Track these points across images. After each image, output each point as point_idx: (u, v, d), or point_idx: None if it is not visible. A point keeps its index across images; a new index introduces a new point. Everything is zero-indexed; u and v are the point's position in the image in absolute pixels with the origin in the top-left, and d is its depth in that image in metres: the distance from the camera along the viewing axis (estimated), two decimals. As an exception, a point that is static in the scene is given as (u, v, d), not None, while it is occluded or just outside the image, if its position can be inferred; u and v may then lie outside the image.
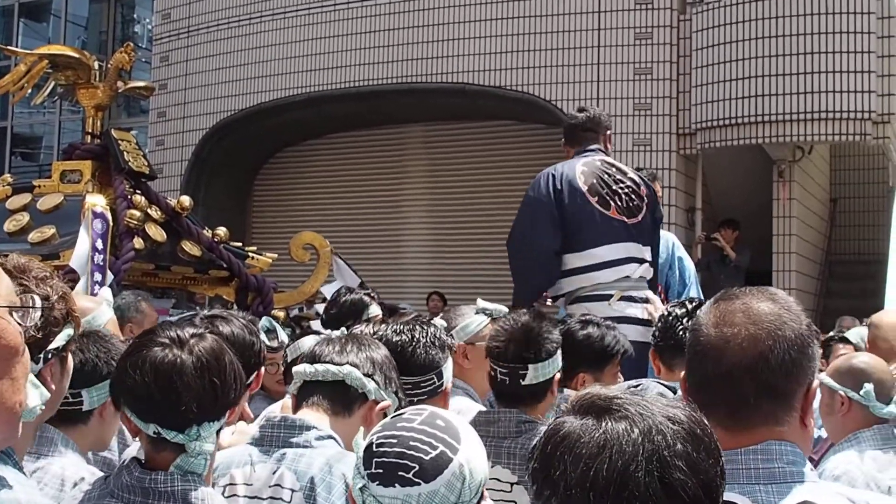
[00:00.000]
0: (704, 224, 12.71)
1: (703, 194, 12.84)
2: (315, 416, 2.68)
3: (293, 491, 2.53)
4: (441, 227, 14.86)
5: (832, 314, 10.74)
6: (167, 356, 2.24)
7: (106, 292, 3.74)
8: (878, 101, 11.18)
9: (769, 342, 1.94)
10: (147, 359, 2.27)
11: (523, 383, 3.38)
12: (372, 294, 5.57)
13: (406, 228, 15.19)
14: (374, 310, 5.32)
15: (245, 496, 2.58)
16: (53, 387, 2.08)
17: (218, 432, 2.31)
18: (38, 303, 1.75)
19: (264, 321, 4.47)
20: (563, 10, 12.72)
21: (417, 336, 3.07)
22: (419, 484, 1.89)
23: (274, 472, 2.58)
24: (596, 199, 5.33)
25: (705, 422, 1.60)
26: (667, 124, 12.20)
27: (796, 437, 1.98)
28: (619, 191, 5.35)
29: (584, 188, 5.34)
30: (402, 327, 3.07)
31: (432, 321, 3.30)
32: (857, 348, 5.61)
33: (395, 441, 1.94)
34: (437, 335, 3.09)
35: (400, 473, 1.90)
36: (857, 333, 6.26)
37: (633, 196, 5.37)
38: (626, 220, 5.35)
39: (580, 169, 5.42)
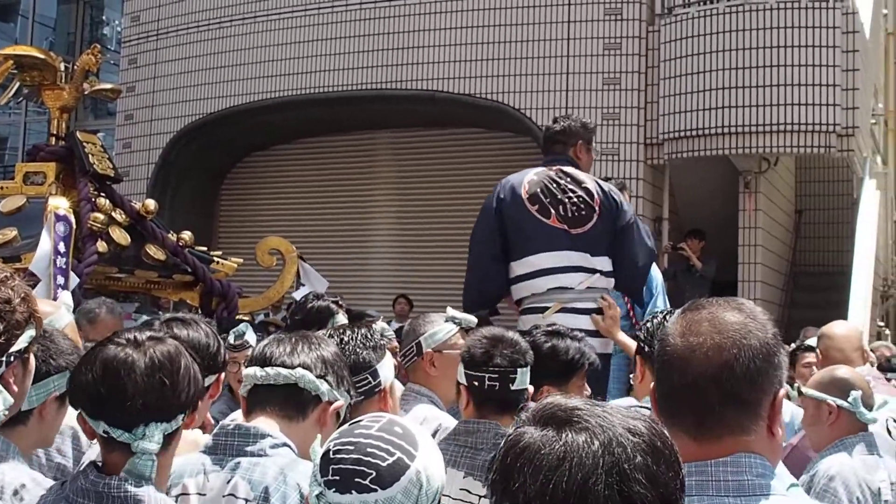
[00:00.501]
0: (671, 234, 12.77)
1: (670, 204, 12.88)
2: (268, 423, 2.65)
3: (247, 501, 2.50)
4: (409, 233, 14.84)
5: (797, 325, 10.80)
6: (118, 354, 2.24)
7: (66, 297, 3.70)
8: (843, 115, 11.27)
9: (734, 351, 1.95)
10: (99, 357, 2.27)
11: (512, 388, 3.40)
12: (340, 302, 5.54)
13: (374, 234, 15.17)
14: (341, 318, 5.29)
15: None
16: (16, 389, 2.10)
17: (171, 437, 2.30)
18: None
19: (241, 327, 4.45)
20: (533, 19, 12.75)
21: (346, 339, 3.06)
22: (376, 490, 1.90)
23: (228, 482, 2.54)
24: (536, 207, 5.34)
25: (666, 434, 1.60)
26: (635, 134, 12.25)
27: (764, 446, 1.98)
28: (566, 200, 5.33)
29: (525, 196, 5.37)
30: (332, 332, 3.07)
31: (371, 324, 3.29)
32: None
33: (352, 448, 1.94)
34: (368, 336, 3.08)
35: (357, 480, 1.90)
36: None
37: (581, 206, 5.32)
38: (569, 229, 5.32)
39: (529, 178, 5.44)
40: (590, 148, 5.68)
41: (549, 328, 4.18)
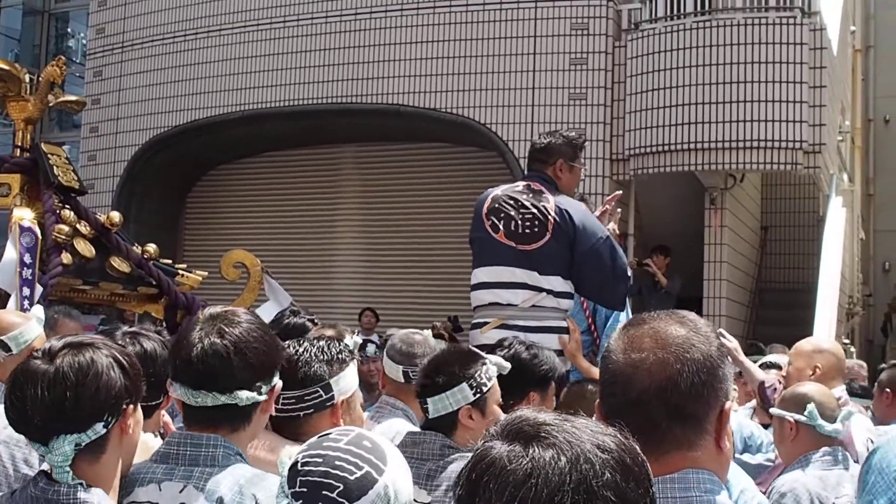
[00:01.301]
0: (636, 250, 12.79)
1: (636, 220, 12.91)
2: (217, 433, 2.58)
3: None
4: (374, 246, 14.83)
5: (763, 341, 10.86)
6: (28, 367, 2.23)
7: (38, 310, 3.67)
8: (810, 132, 11.35)
9: (677, 366, 1.92)
10: (15, 371, 2.26)
11: (429, 417, 3.50)
12: (315, 321, 5.51)
13: (339, 247, 15.14)
14: (349, 340, 5.27)
15: None
16: None
17: (99, 444, 2.25)
18: None
19: (353, 340, 4.43)
20: (499, 34, 12.78)
21: (301, 350, 3.01)
22: (343, 503, 1.88)
23: (180, 491, 2.49)
24: (489, 222, 5.32)
25: (637, 450, 1.57)
26: (600, 150, 12.28)
27: (712, 461, 1.96)
28: (517, 217, 5.28)
29: (485, 210, 5.37)
30: (289, 343, 3.03)
31: (332, 337, 3.27)
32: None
33: (320, 460, 1.93)
34: (326, 349, 3.04)
35: (324, 493, 1.89)
36: (781, 358, 6.42)
37: (534, 223, 5.27)
38: (517, 245, 5.26)
39: (495, 193, 5.44)
40: (573, 166, 5.54)
41: (524, 341, 4.24)
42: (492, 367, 3.59)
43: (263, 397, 2.62)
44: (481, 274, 5.35)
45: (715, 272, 12.55)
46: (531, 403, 3.95)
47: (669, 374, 1.92)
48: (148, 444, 2.78)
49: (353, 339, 3.51)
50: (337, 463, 1.92)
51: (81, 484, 2.20)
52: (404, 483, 1.97)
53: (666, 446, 1.94)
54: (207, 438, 2.54)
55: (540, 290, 5.25)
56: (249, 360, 2.57)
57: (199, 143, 14.81)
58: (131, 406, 2.29)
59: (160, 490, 2.50)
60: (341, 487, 1.89)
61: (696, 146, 11.56)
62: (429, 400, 3.47)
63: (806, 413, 4.19)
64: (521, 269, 5.25)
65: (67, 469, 2.19)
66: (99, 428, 2.22)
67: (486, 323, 5.27)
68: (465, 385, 3.47)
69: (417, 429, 3.79)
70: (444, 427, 3.44)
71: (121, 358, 2.28)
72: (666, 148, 11.74)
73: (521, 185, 5.47)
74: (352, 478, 1.90)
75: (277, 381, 2.67)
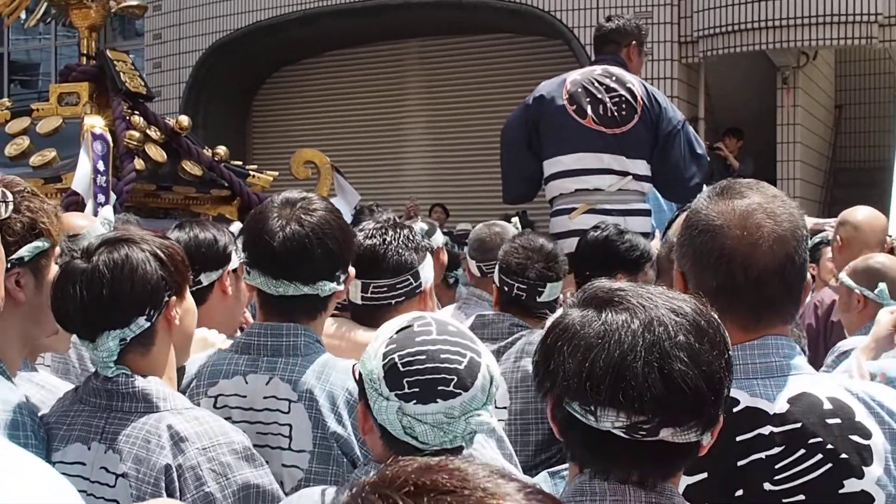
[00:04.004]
0: (707, 134, 12.62)
1: (706, 103, 12.74)
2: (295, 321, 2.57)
3: (290, 402, 2.45)
4: (441, 142, 14.79)
5: (838, 222, 10.70)
6: (67, 267, 2.24)
7: (107, 211, 3.69)
8: (885, 3, 11.05)
9: (793, 243, 1.92)
10: (58, 271, 2.28)
11: (539, 300, 3.58)
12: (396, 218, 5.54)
13: (406, 143, 15.13)
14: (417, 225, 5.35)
15: (238, 408, 2.50)
16: (22, 297, 2.22)
17: (144, 337, 2.25)
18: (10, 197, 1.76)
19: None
20: (561, -82, 12.51)
21: (388, 239, 2.99)
22: (460, 394, 1.89)
23: (267, 383, 2.49)
24: (574, 107, 5.24)
25: (713, 315, 1.58)
26: (668, 32, 12.07)
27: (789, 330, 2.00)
28: (606, 100, 5.23)
29: (565, 96, 5.27)
30: (373, 231, 3.01)
31: (407, 224, 3.27)
32: None
33: (423, 357, 1.91)
34: (410, 237, 3.04)
35: (440, 388, 1.89)
36: None
37: (622, 105, 5.22)
38: (605, 129, 5.21)
39: (572, 77, 5.34)
40: (642, 50, 5.56)
41: (617, 226, 4.28)
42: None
43: (341, 287, 2.61)
44: (569, 160, 5.28)
45: (788, 153, 12.36)
46: None
47: (787, 252, 1.91)
48: (208, 339, 2.77)
49: (420, 227, 3.53)
50: (442, 356, 1.91)
51: (134, 376, 2.23)
52: (494, 360, 1.99)
53: (775, 322, 1.95)
54: (287, 328, 2.53)
55: (626, 174, 5.24)
56: (330, 249, 2.54)
57: (262, 45, 14.79)
58: (174, 297, 2.29)
59: (246, 383, 2.51)
60: (455, 379, 1.89)
61: (766, 24, 11.30)
62: (548, 285, 3.59)
63: (876, 292, 4.21)
64: (609, 154, 5.22)
65: (111, 364, 2.21)
66: (142, 322, 2.21)
67: (572, 209, 5.24)
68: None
69: None
70: (543, 311, 3.52)
71: (159, 251, 2.28)
72: (736, 27, 11.49)
73: (598, 69, 5.38)
74: (462, 367, 1.90)
75: (351, 270, 2.67)
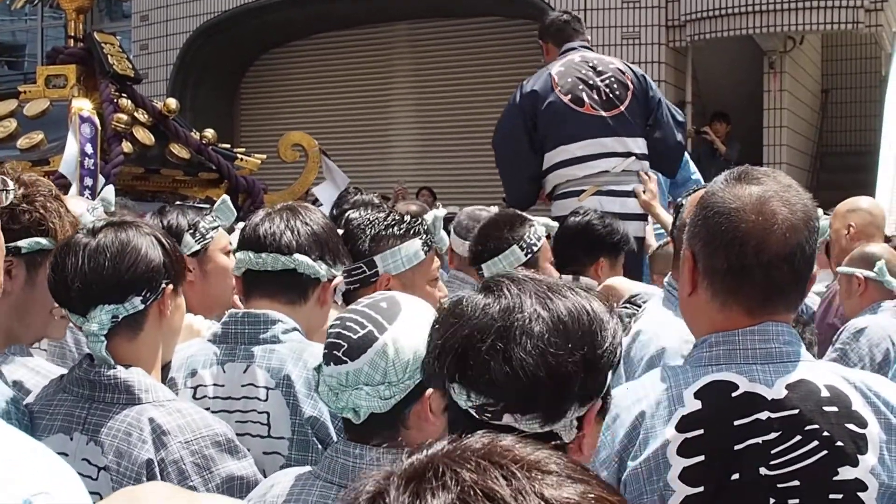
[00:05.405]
0: (694, 118, 12.63)
1: (693, 88, 12.74)
2: (273, 308, 2.61)
3: (268, 389, 2.48)
4: (429, 125, 14.78)
5: (825, 207, 10.72)
6: (70, 241, 2.25)
7: (108, 191, 3.68)
8: (871, -12, 11.06)
9: (805, 232, 1.96)
10: (59, 245, 2.29)
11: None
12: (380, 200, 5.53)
13: (394, 126, 15.11)
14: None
15: (216, 397, 2.52)
16: (10, 287, 2.23)
17: (137, 318, 2.27)
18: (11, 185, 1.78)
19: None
20: None
21: (352, 227, 3.04)
22: (346, 362, 1.95)
23: (244, 371, 2.52)
24: (569, 97, 5.30)
25: (593, 310, 1.58)
26: (655, 16, 12.06)
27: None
28: (599, 84, 5.30)
29: (558, 88, 5.34)
30: (342, 212, 3.06)
31: (416, 213, 3.28)
32: None
33: (338, 322, 2.01)
34: (376, 224, 3.02)
35: (335, 353, 1.97)
36: None
37: (614, 86, 5.32)
38: (605, 113, 5.30)
39: (556, 70, 5.41)
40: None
41: (597, 210, 4.40)
42: (539, 228, 3.71)
43: (322, 274, 2.64)
44: (573, 148, 5.34)
45: (775, 137, 12.39)
46: (601, 269, 4.11)
47: (798, 241, 1.94)
48: (193, 326, 2.79)
49: (432, 214, 3.49)
50: (347, 324, 1.98)
51: (117, 366, 2.23)
52: (409, 341, 1.95)
53: (780, 308, 1.99)
54: (264, 315, 2.57)
55: (628, 154, 5.35)
56: (312, 230, 2.63)
57: (250, 27, 14.74)
58: (170, 287, 2.30)
59: (224, 371, 2.54)
60: (345, 346, 1.95)
61: (753, 8, 11.32)
62: (483, 266, 3.58)
63: (875, 270, 4.44)
64: (610, 137, 5.32)
65: (102, 339, 2.20)
66: (136, 302, 2.22)
67: (581, 191, 5.29)
68: (515, 247, 3.60)
69: None
70: None
71: (162, 239, 2.30)
72: (723, 12, 11.50)
73: (576, 57, 5.46)
74: (354, 337, 1.95)
75: (338, 275, 2.70)
